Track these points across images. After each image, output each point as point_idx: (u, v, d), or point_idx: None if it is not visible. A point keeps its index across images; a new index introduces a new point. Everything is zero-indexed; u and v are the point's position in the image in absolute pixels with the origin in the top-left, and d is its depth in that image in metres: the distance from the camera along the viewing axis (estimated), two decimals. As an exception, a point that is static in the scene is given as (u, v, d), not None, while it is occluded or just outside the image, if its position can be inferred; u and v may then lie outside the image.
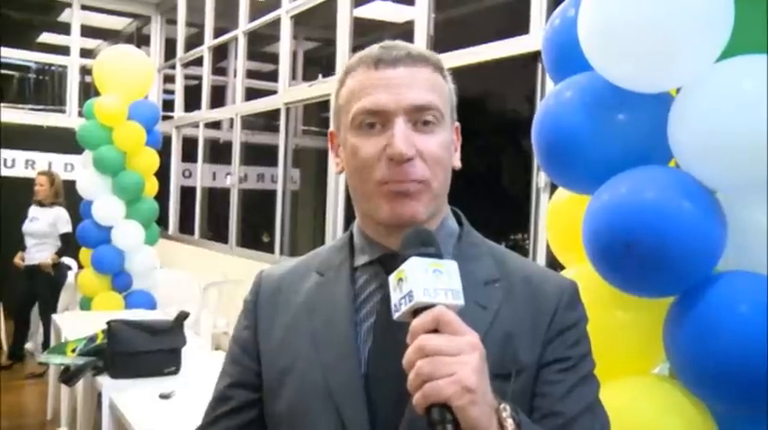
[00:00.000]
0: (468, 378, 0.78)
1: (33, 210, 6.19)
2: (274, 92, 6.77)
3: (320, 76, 6.40)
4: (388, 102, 0.97)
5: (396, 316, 0.85)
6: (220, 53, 8.43)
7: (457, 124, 1.08)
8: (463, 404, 0.78)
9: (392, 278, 0.86)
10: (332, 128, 1.10)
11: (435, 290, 0.83)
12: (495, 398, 0.84)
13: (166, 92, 9.58)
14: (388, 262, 1.00)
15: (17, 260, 6.18)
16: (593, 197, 1.63)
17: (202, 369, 3.28)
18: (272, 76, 7.04)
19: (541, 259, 3.60)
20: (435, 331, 0.81)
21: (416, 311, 0.83)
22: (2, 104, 8.41)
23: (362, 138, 0.99)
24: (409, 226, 0.96)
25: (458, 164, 1.07)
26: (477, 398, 0.79)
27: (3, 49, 8.36)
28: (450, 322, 0.82)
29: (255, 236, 8.38)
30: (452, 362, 0.79)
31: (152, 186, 5.99)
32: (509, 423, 0.83)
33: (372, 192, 0.99)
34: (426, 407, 0.79)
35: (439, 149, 0.99)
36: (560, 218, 1.97)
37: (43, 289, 6.17)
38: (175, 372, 3.17)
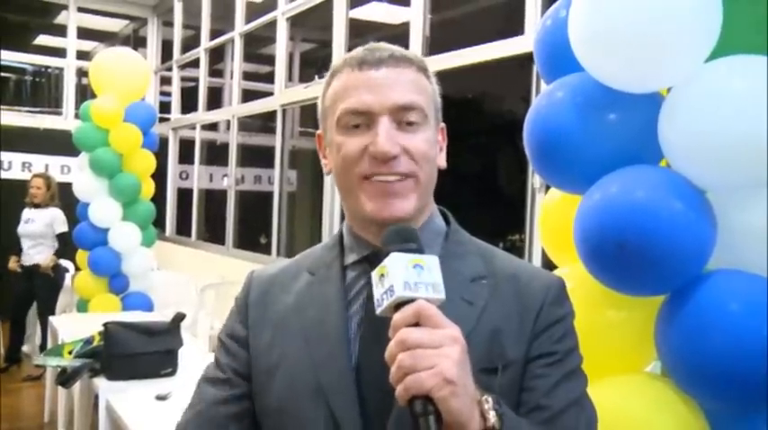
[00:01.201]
0: (448, 370, 0.79)
1: (28, 212, 6.19)
2: (271, 93, 6.78)
3: (316, 77, 6.41)
4: (372, 102, 0.99)
5: (378, 311, 0.86)
6: (217, 55, 8.43)
7: (442, 125, 1.10)
8: (444, 395, 0.79)
9: (374, 274, 0.88)
10: (319, 130, 1.12)
11: (416, 284, 0.84)
12: (477, 391, 0.85)
13: (163, 94, 9.58)
14: (376, 259, 1.01)
15: (12, 265, 6.17)
16: (584, 197, 1.63)
17: (199, 370, 3.28)
18: (269, 78, 7.04)
19: (537, 259, 3.61)
20: (417, 325, 0.82)
21: (398, 306, 0.84)
22: (-1, 107, 8.42)
23: (347, 137, 1.01)
24: (395, 223, 0.97)
25: (443, 164, 1.09)
26: (457, 389, 0.80)
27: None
28: (431, 316, 0.83)
29: (253, 237, 8.38)
30: (433, 354, 0.80)
31: (149, 188, 6.00)
32: (491, 415, 0.84)
33: (355, 187, 1.01)
34: (409, 400, 0.80)
35: (424, 145, 1.01)
36: (553, 217, 1.98)
37: (42, 290, 6.16)
38: (172, 374, 3.17)
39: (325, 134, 1.08)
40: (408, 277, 0.84)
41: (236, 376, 1.10)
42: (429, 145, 1.02)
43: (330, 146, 1.06)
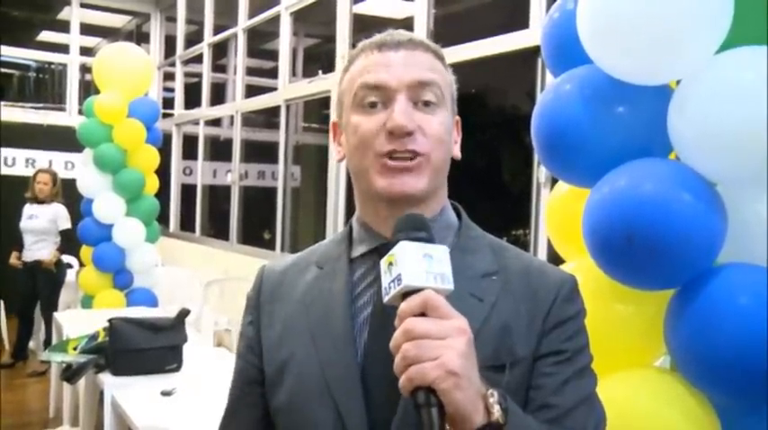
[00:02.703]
0: (452, 361, 0.78)
1: (30, 208, 6.17)
2: (274, 89, 6.77)
3: (320, 72, 6.39)
4: (389, 78, 0.99)
5: (385, 299, 0.85)
6: (220, 50, 8.43)
7: (457, 118, 1.09)
8: (447, 387, 0.78)
9: (383, 262, 0.87)
10: (334, 118, 1.11)
11: (425, 273, 0.83)
12: (483, 384, 0.83)
13: (166, 89, 9.58)
14: (385, 251, 1.00)
15: (13, 260, 6.17)
16: (592, 190, 1.62)
17: (204, 366, 3.29)
18: (272, 73, 7.03)
19: (542, 254, 3.60)
20: (423, 315, 0.81)
21: (405, 295, 0.83)
22: (2, 103, 8.42)
23: (364, 115, 1.00)
24: (408, 200, 0.97)
25: (458, 154, 1.08)
26: (461, 382, 0.79)
27: (3, 47, 8.37)
28: (438, 306, 0.82)
29: (257, 233, 8.38)
30: (438, 345, 0.79)
31: (152, 184, 5.99)
32: (495, 409, 0.82)
33: (370, 166, 1.00)
34: (412, 390, 0.79)
35: (440, 127, 1.00)
36: (560, 211, 1.97)
37: (44, 286, 6.16)
38: (177, 370, 3.17)
39: (341, 118, 1.07)
40: (417, 266, 0.83)
41: (247, 384, 1.11)
42: (444, 128, 1.01)
43: (346, 128, 1.05)
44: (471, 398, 0.80)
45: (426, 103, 1.00)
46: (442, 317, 0.81)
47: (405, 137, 0.97)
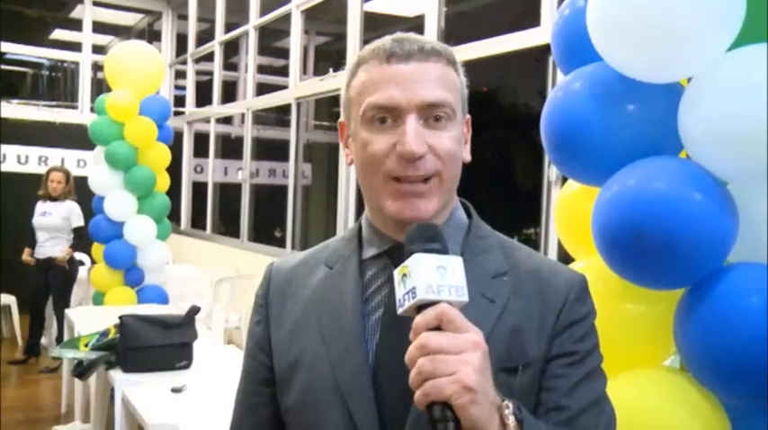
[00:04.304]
0: (468, 377, 0.78)
1: (43, 205, 6.21)
2: (285, 87, 6.78)
3: (331, 70, 6.40)
4: (400, 98, 0.96)
5: (400, 311, 0.85)
6: (231, 48, 8.45)
7: (468, 116, 1.07)
8: (463, 403, 0.78)
9: (396, 273, 0.86)
10: (342, 118, 1.09)
11: (439, 286, 0.82)
12: (497, 396, 0.83)
13: (178, 87, 9.62)
14: (397, 254, 0.99)
15: (25, 257, 6.20)
16: (602, 188, 1.61)
17: (214, 363, 3.30)
18: (283, 71, 7.04)
19: (553, 253, 3.59)
20: (438, 328, 0.81)
21: (420, 307, 0.82)
22: (15, 101, 8.48)
23: (373, 132, 0.98)
24: (418, 221, 0.95)
25: (468, 157, 1.06)
26: (477, 397, 0.78)
27: (16, 46, 8.43)
28: (453, 320, 0.81)
29: (267, 230, 8.40)
30: (453, 360, 0.79)
31: (164, 181, 6.01)
32: (511, 420, 0.82)
33: (380, 186, 0.99)
34: (427, 405, 0.79)
35: (450, 144, 0.98)
36: (570, 209, 1.96)
37: (57, 284, 6.19)
38: (187, 367, 3.18)
39: (349, 124, 1.06)
40: (431, 279, 0.82)
41: (255, 384, 1.11)
42: (455, 143, 0.99)
43: (354, 138, 1.03)
44: (487, 412, 0.80)
45: (437, 118, 0.97)
46: (456, 330, 0.81)
47: (416, 161, 0.95)
